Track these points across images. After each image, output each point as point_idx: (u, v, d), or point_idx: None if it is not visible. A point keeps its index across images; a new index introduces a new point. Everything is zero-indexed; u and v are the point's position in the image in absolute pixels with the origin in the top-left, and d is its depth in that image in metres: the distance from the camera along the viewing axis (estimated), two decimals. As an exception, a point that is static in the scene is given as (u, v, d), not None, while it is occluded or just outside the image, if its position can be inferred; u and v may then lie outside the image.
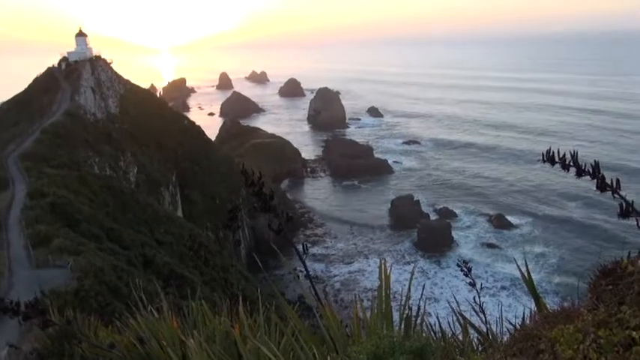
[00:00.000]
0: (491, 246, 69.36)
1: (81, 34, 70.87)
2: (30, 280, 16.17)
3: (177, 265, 26.62)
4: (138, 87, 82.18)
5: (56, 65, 68.19)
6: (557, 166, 2.05)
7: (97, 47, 72.81)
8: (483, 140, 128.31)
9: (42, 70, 67.99)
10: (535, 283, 2.63)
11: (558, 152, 2.06)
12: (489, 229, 74.89)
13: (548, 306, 2.41)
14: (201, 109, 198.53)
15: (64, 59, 68.50)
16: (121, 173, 50.22)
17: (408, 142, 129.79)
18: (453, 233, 71.08)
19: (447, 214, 78.95)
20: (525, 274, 2.63)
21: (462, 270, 3.40)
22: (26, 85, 64.01)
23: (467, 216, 79.89)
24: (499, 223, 75.17)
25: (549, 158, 2.05)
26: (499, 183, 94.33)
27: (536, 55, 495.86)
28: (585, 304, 1.85)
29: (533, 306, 2.46)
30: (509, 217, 76.51)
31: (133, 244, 26.48)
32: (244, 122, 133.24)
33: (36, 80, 64.94)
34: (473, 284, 3.17)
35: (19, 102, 56.68)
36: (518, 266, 2.95)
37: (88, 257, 18.71)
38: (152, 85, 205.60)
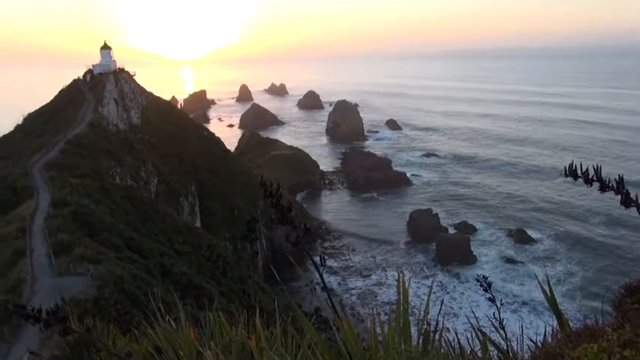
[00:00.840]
0: (511, 261, 68.21)
1: (106, 47, 72.68)
2: (51, 287, 16.42)
3: (195, 276, 26.75)
4: (159, 98, 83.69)
5: (81, 77, 70.00)
6: (580, 181, 2.01)
7: (121, 58, 74.70)
8: (503, 154, 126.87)
9: (68, 81, 69.97)
10: (557, 299, 2.56)
11: (581, 166, 2.02)
12: (509, 243, 73.71)
13: (571, 324, 2.35)
14: (221, 120, 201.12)
15: (89, 71, 70.31)
16: (142, 183, 50.93)
17: (427, 155, 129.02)
18: (473, 247, 70.12)
19: (466, 228, 78.05)
20: (547, 290, 2.56)
21: (481, 285, 3.33)
22: (53, 96, 65.82)
23: (486, 230, 78.82)
24: (519, 237, 73.97)
25: (572, 173, 2.01)
26: (519, 197, 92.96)
27: (559, 69, 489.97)
28: (610, 322, 1.80)
29: (555, 323, 2.40)
30: (529, 232, 75.25)
31: (152, 253, 26.72)
32: (263, 134, 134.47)
33: (62, 92, 66.69)
34: (493, 299, 3.10)
35: (46, 113, 58.18)
36: (539, 282, 2.89)
37: (108, 266, 18.93)
38: (173, 96, 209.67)
